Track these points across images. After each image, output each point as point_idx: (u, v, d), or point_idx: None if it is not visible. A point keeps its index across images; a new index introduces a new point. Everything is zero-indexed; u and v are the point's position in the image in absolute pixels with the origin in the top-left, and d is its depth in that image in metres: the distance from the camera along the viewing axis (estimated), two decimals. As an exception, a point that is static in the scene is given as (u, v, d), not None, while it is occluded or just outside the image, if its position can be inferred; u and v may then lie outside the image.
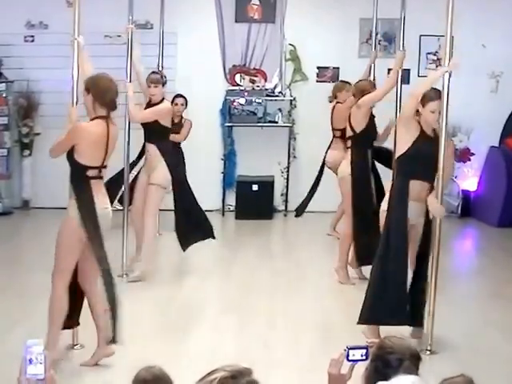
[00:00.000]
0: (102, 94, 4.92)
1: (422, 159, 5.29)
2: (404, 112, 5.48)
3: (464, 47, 9.62)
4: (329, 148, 8.59)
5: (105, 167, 4.99)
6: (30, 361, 2.23)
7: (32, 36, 10.38)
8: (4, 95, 10.09)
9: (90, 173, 4.87)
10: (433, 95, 5.28)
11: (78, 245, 4.84)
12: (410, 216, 5.29)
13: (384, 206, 5.47)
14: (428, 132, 5.36)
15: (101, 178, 4.99)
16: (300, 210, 8.94)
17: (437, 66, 9.70)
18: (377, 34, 8.54)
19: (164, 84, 7.51)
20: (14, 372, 2.30)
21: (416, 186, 5.32)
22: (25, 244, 8.60)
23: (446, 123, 5.25)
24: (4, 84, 10.11)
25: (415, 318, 5.36)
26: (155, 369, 2.90)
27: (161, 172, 7.17)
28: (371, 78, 7.97)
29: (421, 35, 9.99)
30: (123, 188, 7.47)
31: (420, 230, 5.44)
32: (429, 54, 10.11)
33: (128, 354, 5.17)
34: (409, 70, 9.90)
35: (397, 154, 5.46)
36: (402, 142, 5.39)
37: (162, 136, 7.30)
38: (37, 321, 5.48)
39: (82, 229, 4.79)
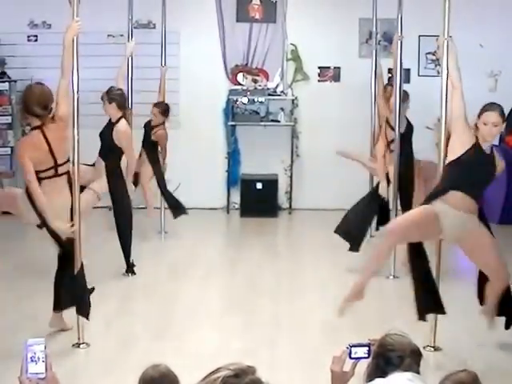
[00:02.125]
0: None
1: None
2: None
3: (462, 47, 9.67)
4: None
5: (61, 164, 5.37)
6: (31, 359, 2.24)
7: (35, 35, 10.42)
8: (7, 94, 10.15)
9: (43, 175, 5.30)
10: (487, 106, 5.18)
11: None
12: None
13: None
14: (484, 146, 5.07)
15: (59, 175, 5.37)
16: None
17: (436, 66, 9.78)
18: (376, 34, 8.60)
19: None
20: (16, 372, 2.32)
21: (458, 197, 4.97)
22: (30, 243, 8.63)
23: (445, 122, 5.30)
24: (7, 83, 10.15)
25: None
26: (162, 367, 2.93)
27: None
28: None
29: (420, 35, 10.02)
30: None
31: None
32: (428, 53, 10.15)
33: (133, 353, 5.24)
34: (409, 69, 9.97)
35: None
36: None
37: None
38: (40, 320, 5.56)
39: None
